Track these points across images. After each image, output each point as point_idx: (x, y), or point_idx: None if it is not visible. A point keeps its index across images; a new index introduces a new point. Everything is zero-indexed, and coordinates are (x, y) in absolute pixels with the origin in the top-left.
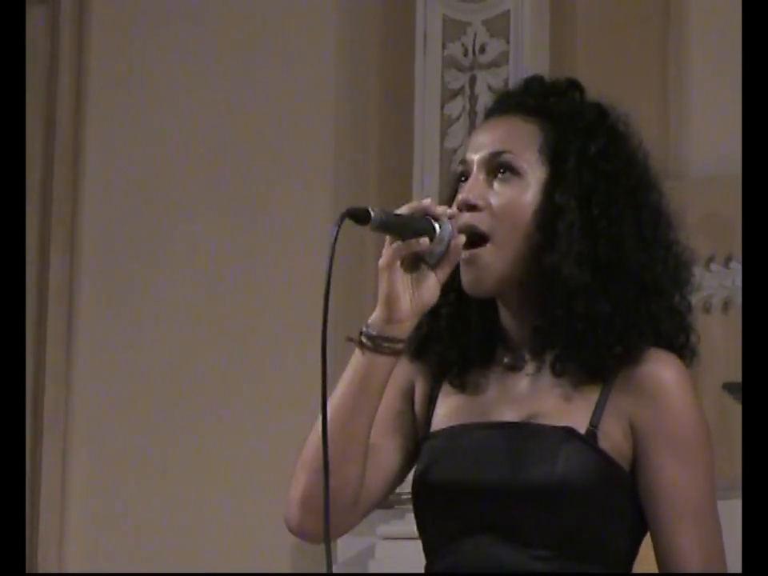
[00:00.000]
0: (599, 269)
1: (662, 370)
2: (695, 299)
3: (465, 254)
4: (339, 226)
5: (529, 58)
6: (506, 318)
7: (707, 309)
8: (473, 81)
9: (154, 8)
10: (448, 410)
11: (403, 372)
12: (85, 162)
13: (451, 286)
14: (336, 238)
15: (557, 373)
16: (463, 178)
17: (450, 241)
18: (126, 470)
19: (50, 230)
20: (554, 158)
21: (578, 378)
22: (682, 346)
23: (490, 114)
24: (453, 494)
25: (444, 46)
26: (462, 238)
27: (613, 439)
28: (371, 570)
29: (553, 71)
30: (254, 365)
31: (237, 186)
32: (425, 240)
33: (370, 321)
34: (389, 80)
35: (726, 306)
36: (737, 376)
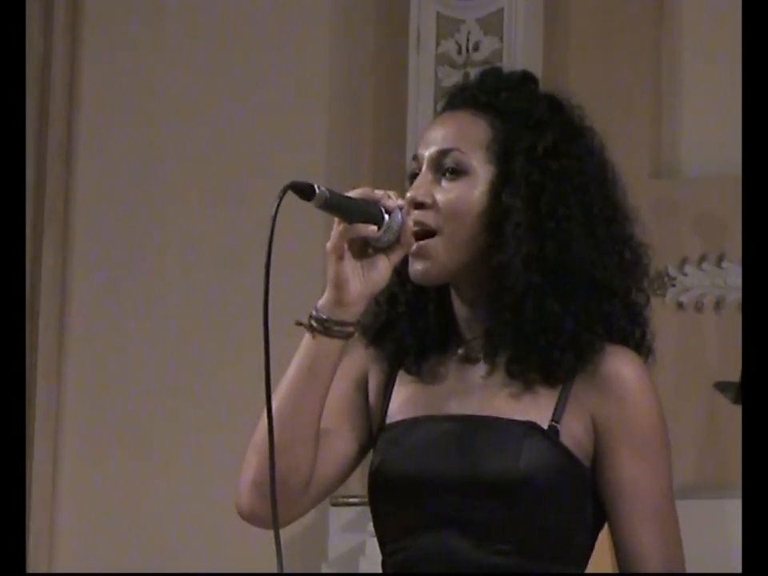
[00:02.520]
0: (548, 270)
1: (623, 367)
2: (687, 298)
3: (414, 246)
4: (281, 199)
5: (522, 56)
6: (460, 310)
7: (699, 308)
8: (466, 78)
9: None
10: (404, 401)
11: (356, 362)
12: (77, 156)
13: (408, 275)
14: (277, 211)
15: (513, 375)
16: (415, 174)
17: (399, 230)
18: (118, 464)
19: (43, 224)
20: (503, 156)
21: (541, 376)
22: (638, 344)
23: (444, 108)
24: (411, 487)
25: (438, 44)
26: (412, 223)
27: (574, 435)
28: (361, 567)
29: (546, 69)
30: (248, 352)
31: (229, 179)
32: (372, 227)
33: (319, 304)
34: (383, 77)
35: (717, 305)
36: (729, 375)
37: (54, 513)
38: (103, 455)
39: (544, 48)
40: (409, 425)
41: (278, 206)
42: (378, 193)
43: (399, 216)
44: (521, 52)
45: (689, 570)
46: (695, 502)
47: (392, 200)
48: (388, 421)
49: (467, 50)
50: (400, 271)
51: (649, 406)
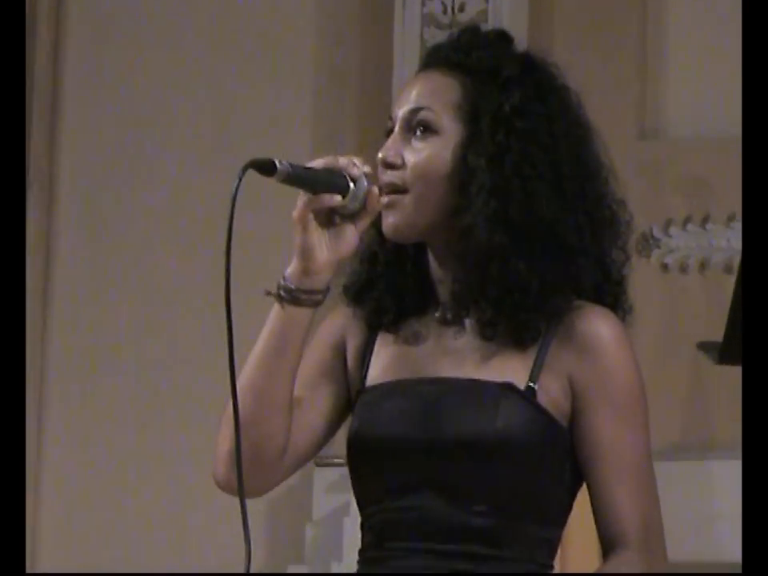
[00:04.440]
0: (513, 230)
1: (600, 326)
2: (672, 260)
3: (384, 198)
4: (241, 178)
5: (507, 17)
6: (435, 270)
7: (684, 269)
8: None
9: None
10: (384, 364)
11: (333, 327)
12: (62, 114)
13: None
14: (237, 189)
15: (486, 337)
16: (389, 133)
17: (364, 197)
18: (102, 452)
19: (28, 182)
20: (471, 115)
21: (512, 337)
22: (615, 302)
23: (420, 67)
24: (389, 449)
25: (423, 4)
26: (376, 189)
27: (551, 395)
28: (346, 528)
29: (531, 30)
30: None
31: (214, 139)
32: (337, 197)
33: (287, 273)
34: (368, 37)
35: (702, 266)
36: (712, 335)
37: (37, 497)
38: (88, 444)
39: (530, 9)
40: (387, 388)
41: (238, 185)
42: (343, 161)
43: (365, 183)
44: (506, 12)
45: (670, 529)
46: (680, 463)
47: (357, 167)
48: (367, 384)
49: (453, 10)
50: (380, 230)
51: (626, 364)
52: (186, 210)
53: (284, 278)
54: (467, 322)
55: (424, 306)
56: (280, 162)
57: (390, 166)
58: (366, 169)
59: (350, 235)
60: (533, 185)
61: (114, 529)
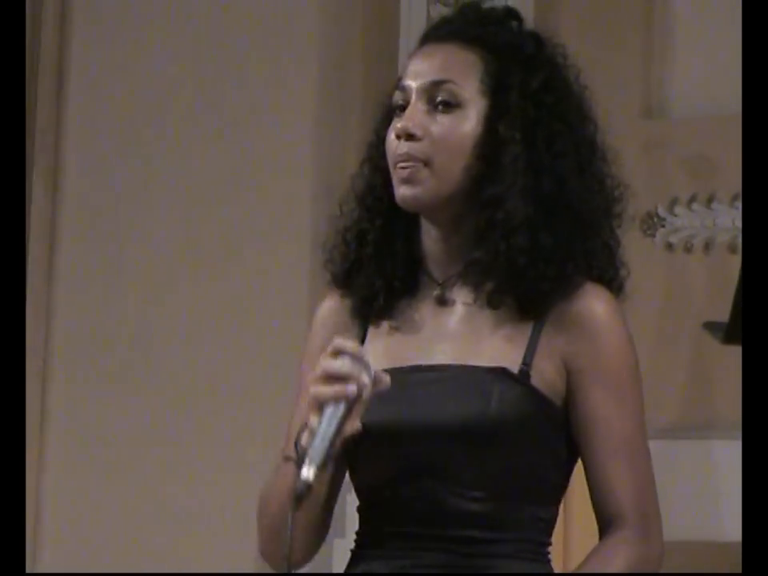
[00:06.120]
0: (542, 203)
1: (593, 304)
2: (676, 239)
3: (402, 172)
4: (291, 524)
5: None
6: (434, 246)
7: (688, 249)
8: None
9: None
10: (378, 352)
11: (325, 329)
12: (68, 90)
13: (378, 210)
14: (291, 530)
15: (493, 305)
16: (401, 105)
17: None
18: (105, 449)
19: (33, 160)
20: (496, 89)
21: (512, 314)
22: (611, 280)
23: (427, 40)
24: (385, 437)
25: None
26: (382, 375)
27: (545, 376)
28: (348, 504)
29: (537, 8)
30: (240, 311)
31: (220, 114)
32: (357, 424)
33: (303, 441)
34: (374, 14)
35: (707, 246)
36: (717, 315)
37: (38, 492)
38: (90, 433)
39: None
40: None
41: (293, 514)
42: (349, 393)
43: (369, 379)
44: None
45: (672, 508)
46: (682, 442)
47: (359, 379)
48: None
49: None
50: (369, 207)
51: (620, 342)
52: (197, 185)
53: (300, 445)
54: (464, 299)
55: (415, 286)
56: (308, 470)
57: (410, 136)
58: (365, 359)
59: (356, 414)
60: (562, 160)
61: (116, 525)
